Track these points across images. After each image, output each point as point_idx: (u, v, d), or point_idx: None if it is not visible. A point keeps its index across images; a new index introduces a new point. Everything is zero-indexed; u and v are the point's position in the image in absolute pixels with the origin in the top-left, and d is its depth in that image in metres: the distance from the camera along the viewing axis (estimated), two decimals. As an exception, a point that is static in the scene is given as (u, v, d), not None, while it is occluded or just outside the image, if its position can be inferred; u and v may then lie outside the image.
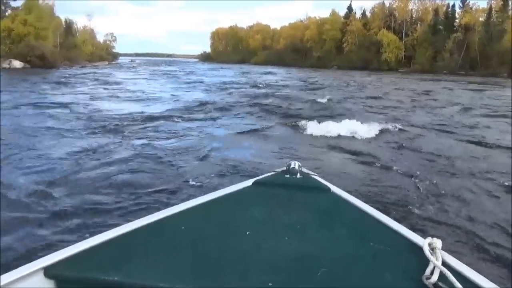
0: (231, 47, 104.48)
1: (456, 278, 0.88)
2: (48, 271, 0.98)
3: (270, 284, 0.91)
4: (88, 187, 4.01)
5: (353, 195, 1.53)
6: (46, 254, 1.02)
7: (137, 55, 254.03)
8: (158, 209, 1.41)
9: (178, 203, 1.42)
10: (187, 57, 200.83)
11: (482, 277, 0.94)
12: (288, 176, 1.68)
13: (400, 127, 8.11)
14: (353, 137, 7.12)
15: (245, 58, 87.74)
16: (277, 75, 32.51)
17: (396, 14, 57.65)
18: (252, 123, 8.64)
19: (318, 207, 1.42)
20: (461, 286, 0.86)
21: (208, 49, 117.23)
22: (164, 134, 7.08)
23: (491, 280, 0.93)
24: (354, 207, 1.42)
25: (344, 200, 1.48)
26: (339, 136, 7.11)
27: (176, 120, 8.77)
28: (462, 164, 5.32)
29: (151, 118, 8.81)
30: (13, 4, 44.99)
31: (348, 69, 53.39)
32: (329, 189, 1.58)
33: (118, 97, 13.70)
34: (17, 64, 34.75)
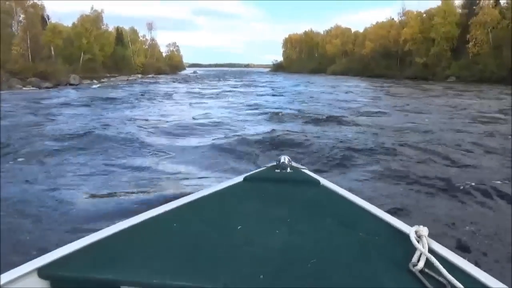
0: (306, 55, 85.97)
1: (442, 265, 0.87)
2: (42, 272, 0.93)
3: (261, 276, 0.89)
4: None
5: (343, 188, 1.48)
6: (40, 255, 0.96)
7: (216, 65, 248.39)
8: None
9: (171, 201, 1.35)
10: (263, 67, 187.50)
11: (468, 262, 0.93)
12: (278, 171, 1.63)
13: None
14: None
15: (321, 67, 69.01)
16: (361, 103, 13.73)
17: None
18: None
19: (308, 200, 1.38)
20: (446, 272, 0.85)
21: (281, 58, 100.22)
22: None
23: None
24: (343, 199, 1.38)
25: (333, 193, 1.45)
26: None
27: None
28: None
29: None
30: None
31: (476, 82, 31.85)
32: (318, 182, 1.54)
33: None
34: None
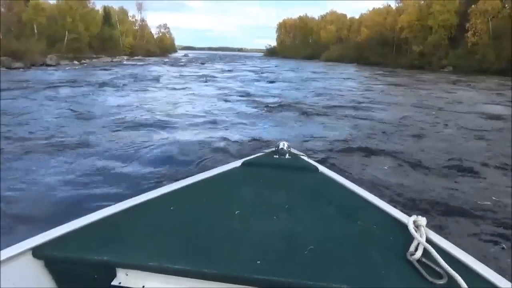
0: (300, 40, 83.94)
1: (439, 254, 0.87)
2: (37, 252, 0.93)
3: (258, 262, 0.88)
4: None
5: (341, 175, 1.45)
6: (35, 235, 0.95)
7: (210, 49, 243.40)
8: None
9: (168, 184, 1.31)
10: (257, 51, 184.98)
11: (465, 253, 0.93)
12: (277, 156, 1.62)
13: None
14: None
15: (314, 53, 67.41)
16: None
17: None
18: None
19: (307, 187, 1.37)
20: (443, 262, 0.85)
21: (275, 43, 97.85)
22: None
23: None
24: (342, 186, 1.37)
25: (332, 180, 1.43)
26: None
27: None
28: None
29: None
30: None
31: (473, 73, 30.71)
32: (317, 169, 1.52)
33: None
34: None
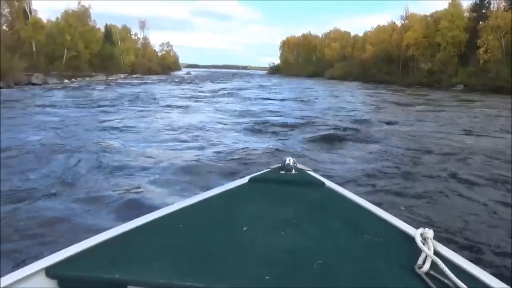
0: (303, 58, 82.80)
1: (447, 267, 0.86)
2: (50, 271, 0.94)
3: (267, 277, 0.89)
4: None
5: (348, 189, 1.46)
6: (48, 255, 0.97)
7: (214, 67, 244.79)
8: None
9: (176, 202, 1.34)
10: (261, 69, 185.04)
11: (473, 265, 0.92)
12: (283, 172, 1.63)
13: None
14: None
15: (318, 71, 65.93)
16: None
17: None
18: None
19: (313, 202, 1.37)
20: (452, 274, 0.84)
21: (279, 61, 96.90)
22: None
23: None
24: (348, 200, 1.37)
25: (338, 194, 1.43)
26: None
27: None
28: None
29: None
30: None
31: (487, 91, 28.78)
32: (323, 184, 1.53)
33: None
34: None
